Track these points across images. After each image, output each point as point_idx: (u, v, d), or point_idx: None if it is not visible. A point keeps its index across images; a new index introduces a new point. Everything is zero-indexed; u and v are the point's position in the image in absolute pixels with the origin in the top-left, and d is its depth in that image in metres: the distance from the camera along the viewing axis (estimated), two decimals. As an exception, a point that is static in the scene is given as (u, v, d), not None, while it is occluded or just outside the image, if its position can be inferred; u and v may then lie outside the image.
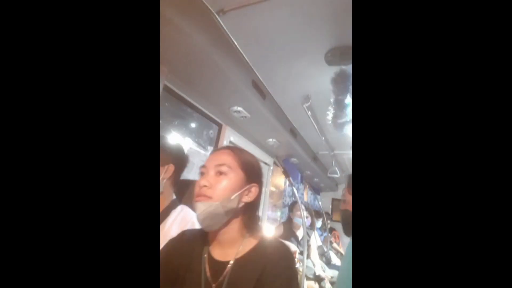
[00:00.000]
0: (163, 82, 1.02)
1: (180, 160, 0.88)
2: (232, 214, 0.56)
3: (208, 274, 0.55)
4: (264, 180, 2.25)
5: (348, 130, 1.39)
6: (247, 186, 0.58)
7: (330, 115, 1.28)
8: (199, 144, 1.49)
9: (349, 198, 0.88)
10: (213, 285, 0.53)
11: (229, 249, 0.57)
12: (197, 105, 1.34)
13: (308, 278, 1.96)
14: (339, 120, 1.27)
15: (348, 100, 1.14)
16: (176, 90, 1.18)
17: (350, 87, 1.06)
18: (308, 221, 2.44)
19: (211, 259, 0.56)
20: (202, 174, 0.58)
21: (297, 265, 1.90)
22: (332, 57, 0.97)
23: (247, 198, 0.58)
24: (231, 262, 0.55)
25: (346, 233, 0.95)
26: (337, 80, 1.07)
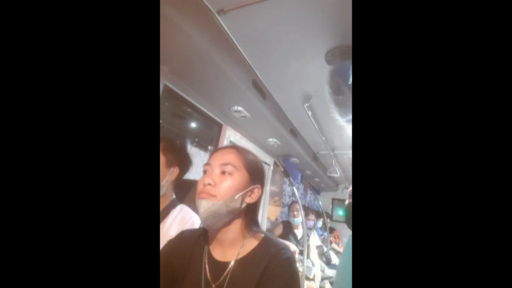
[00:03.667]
0: (163, 82, 1.02)
1: (185, 162, 0.89)
2: (234, 214, 0.56)
3: (208, 274, 0.54)
4: (266, 180, 2.25)
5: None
6: (251, 187, 0.58)
7: (335, 114, 1.27)
8: (199, 144, 1.49)
9: None
10: (213, 285, 0.53)
11: (230, 250, 0.57)
12: (197, 105, 1.33)
13: (307, 279, 1.95)
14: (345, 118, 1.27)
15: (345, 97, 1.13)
16: (176, 90, 1.18)
17: (345, 86, 1.06)
18: (310, 223, 2.44)
19: (212, 260, 0.56)
20: (206, 172, 0.58)
21: (297, 265, 1.90)
22: (332, 57, 0.97)
23: (249, 199, 0.58)
24: (232, 262, 0.54)
25: (350, 227, 0.95)
26: (333, 79, 1.07)
